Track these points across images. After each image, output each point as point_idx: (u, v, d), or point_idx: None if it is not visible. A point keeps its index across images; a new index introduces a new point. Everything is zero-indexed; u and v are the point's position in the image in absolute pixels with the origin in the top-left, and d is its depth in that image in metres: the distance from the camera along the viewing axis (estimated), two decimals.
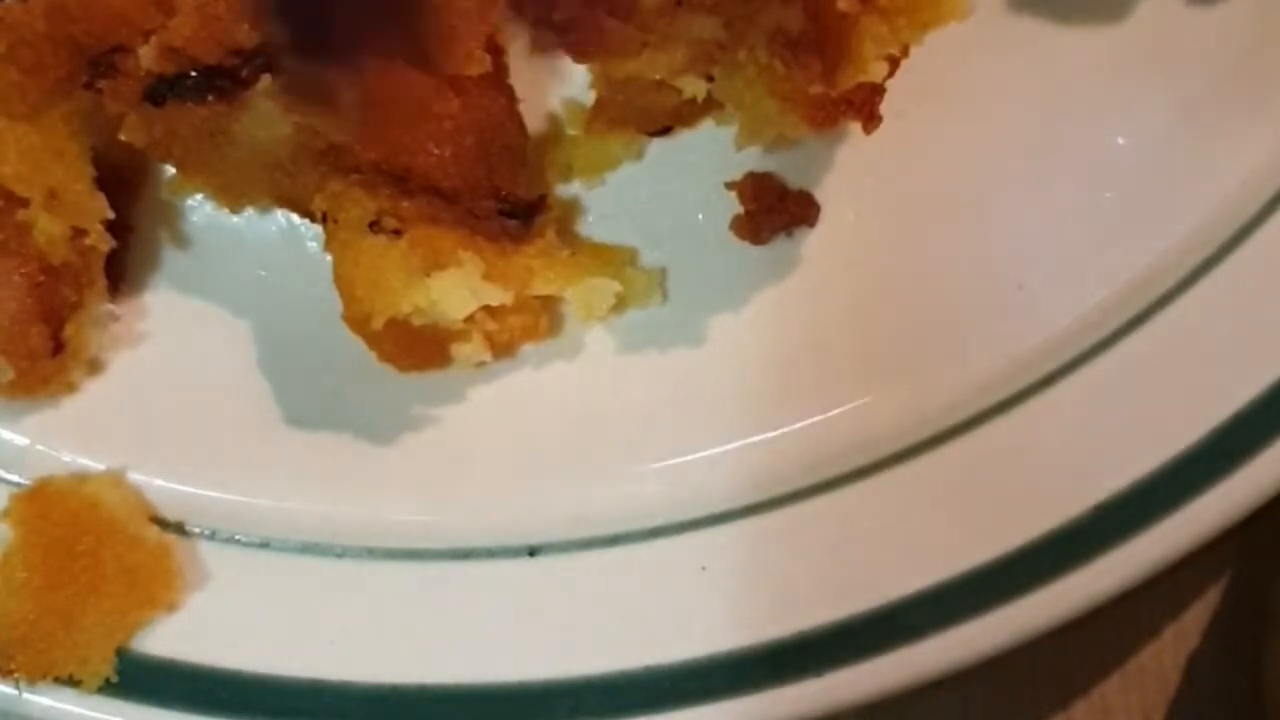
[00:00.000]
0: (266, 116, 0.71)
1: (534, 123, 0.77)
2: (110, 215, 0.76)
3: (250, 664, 0.74)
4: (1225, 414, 0.72)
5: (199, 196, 0.79)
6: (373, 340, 0.74)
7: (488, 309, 0.74)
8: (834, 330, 0.77)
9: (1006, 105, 0.77)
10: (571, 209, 0.79)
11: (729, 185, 0.77)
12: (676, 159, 0.78)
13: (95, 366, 0.79)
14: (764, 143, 0.76)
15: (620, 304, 0.77)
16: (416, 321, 0.72)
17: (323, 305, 0.78)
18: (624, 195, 0.79)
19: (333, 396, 0.78)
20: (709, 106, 0.76)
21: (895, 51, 0.67)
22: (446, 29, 0.69)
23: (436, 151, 0.71)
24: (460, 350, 0.76)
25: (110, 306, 0.79)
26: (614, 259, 0.78)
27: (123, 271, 0.80)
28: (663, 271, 0.78)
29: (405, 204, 0.72)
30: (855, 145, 0.77)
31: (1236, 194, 0.75)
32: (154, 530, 0.76)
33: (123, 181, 0.79)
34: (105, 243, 0.77)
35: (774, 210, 0.77)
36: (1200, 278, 0.75)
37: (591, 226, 0.79)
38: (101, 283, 0.78)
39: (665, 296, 0.78)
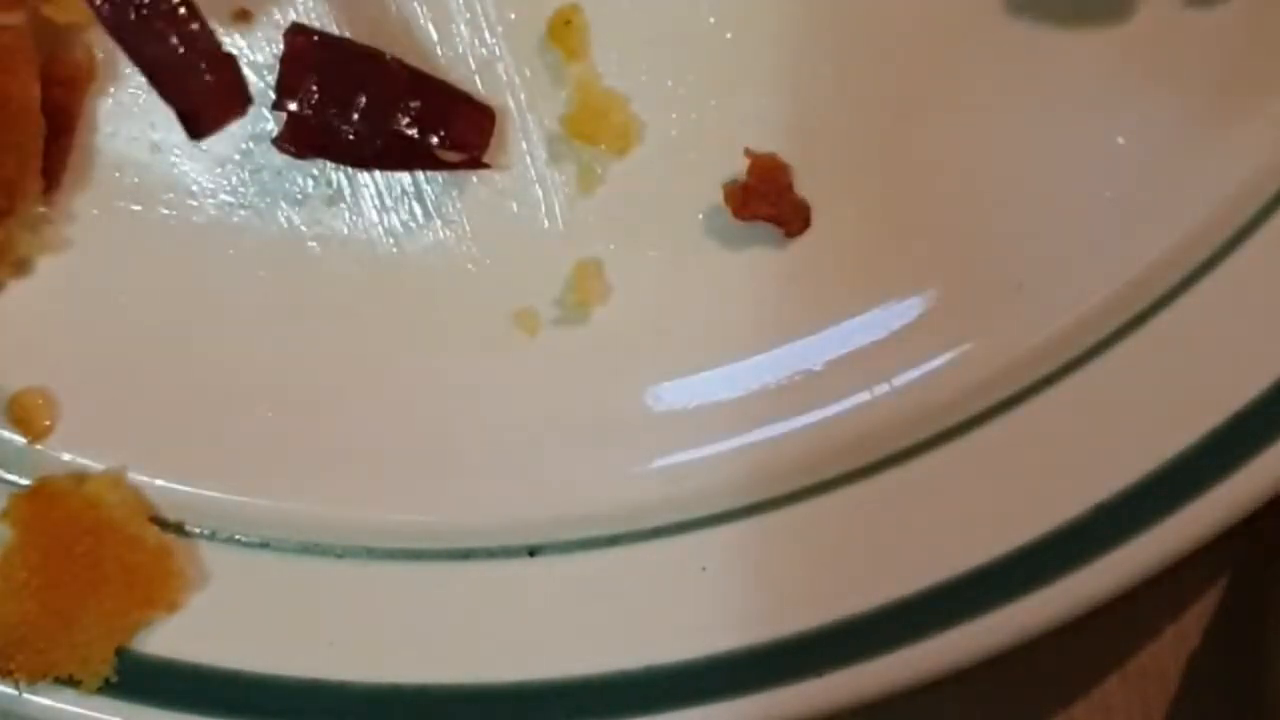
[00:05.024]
0: None
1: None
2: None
3: (250, 664, 0.75)
4: (1225, 414, 0.72)
5: (201, 201, 0.79)
6: None
7: None
8: (833, 330, 0.77)
9: (1007, 105, 0.77)
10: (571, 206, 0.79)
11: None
12: (676, 159, 0.78)
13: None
14: None
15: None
16: None
17: (323, 306, 0.78)
18: (624, 195, 0.79)
19: (332, 396, 0.78)
20: None
21: None
22: None
23: None
24: None
25: None
26: None
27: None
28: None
29: None
30: (855, 145, 0.77)
31: (1236, 194, 0.75)
32: (154, 530, 0.76)
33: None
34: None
35: (768, 199, 0.76)
36: (1200, 278, 0.75)
37: (591, 226, 0.79)
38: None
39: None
